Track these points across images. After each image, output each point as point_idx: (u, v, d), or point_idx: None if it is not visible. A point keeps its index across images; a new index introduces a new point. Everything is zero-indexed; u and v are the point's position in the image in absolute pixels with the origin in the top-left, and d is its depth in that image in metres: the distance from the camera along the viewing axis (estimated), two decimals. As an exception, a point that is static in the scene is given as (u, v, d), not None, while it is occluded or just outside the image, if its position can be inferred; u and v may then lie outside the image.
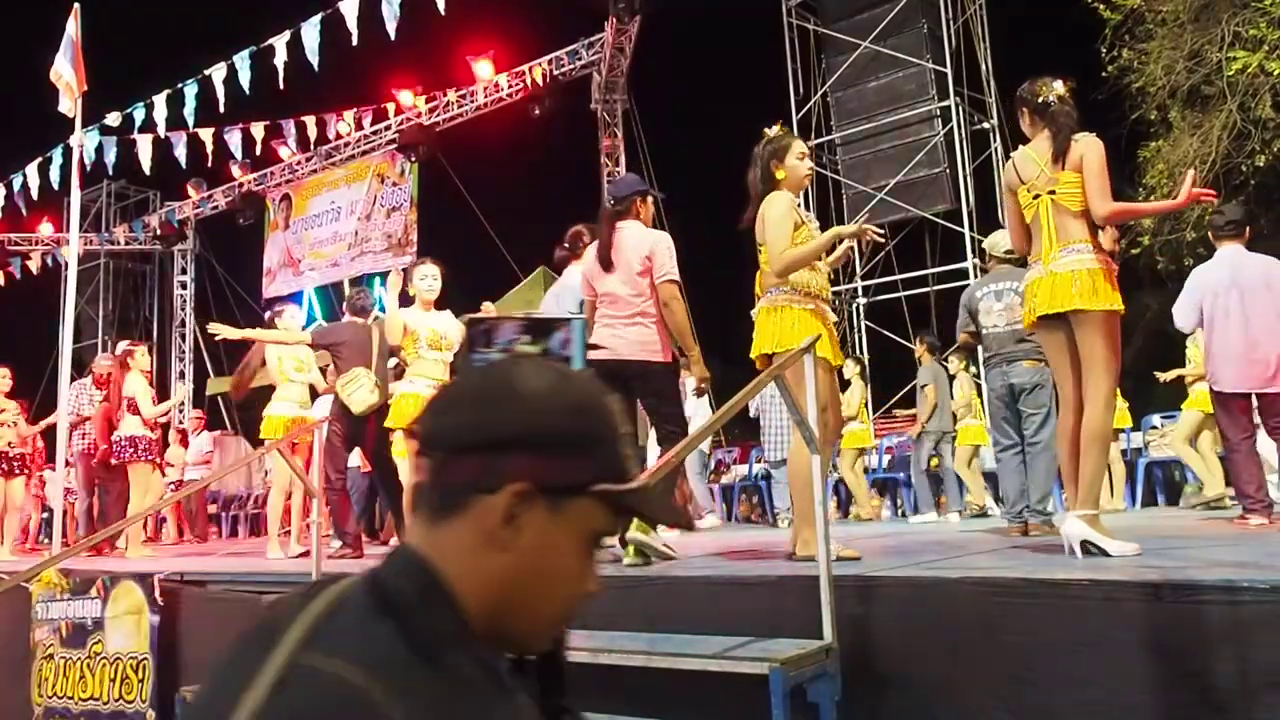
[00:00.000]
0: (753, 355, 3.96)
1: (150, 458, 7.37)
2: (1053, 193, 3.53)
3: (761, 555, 4.32)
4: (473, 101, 16.04)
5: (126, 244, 20.60)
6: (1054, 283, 3.48)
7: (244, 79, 8.55)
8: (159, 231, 19.85)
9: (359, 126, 16.79)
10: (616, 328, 4.23)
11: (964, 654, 2.66)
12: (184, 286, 20.45)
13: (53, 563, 4.89)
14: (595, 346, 4.09)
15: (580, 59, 15.28)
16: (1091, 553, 3.25)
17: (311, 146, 17.14)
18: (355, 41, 7.96)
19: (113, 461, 7.41)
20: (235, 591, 4.55)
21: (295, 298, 19.04)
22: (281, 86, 8.41)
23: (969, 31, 13.69)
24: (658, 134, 15.32)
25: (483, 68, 15.47)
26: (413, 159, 16.66)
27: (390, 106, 16.48)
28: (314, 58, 8.23)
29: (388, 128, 17.03)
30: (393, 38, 8.17)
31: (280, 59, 8.38)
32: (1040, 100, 3.62)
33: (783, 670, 2.48)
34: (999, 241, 5.48)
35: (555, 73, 15.28)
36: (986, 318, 5.35)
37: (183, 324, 20.29)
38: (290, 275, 18.97)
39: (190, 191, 18.99)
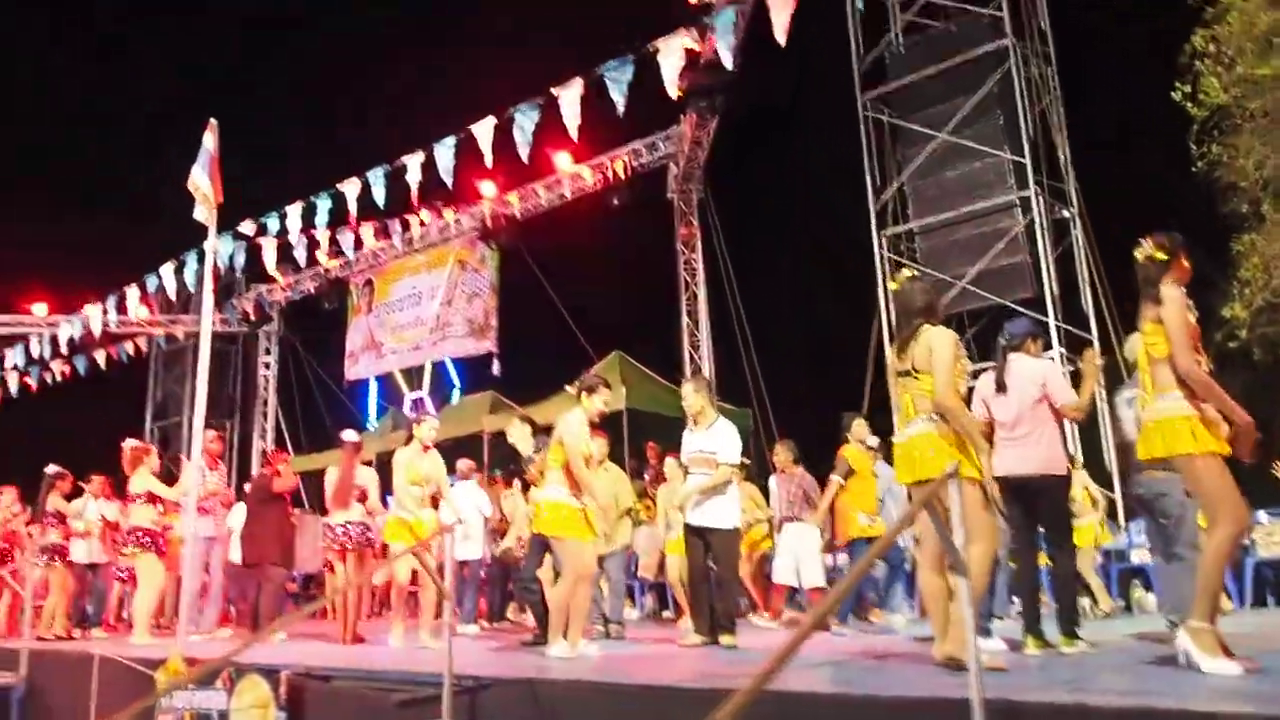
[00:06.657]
0: (908, 481, 4.10)
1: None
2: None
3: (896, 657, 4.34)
4: (556, 191, 16.51)
5: (221, 327, 21.39)
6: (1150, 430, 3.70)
7: (379, 194, 9.11)
8: (251, 315, 20.55)
9: (439, 215, 17.31)
10: (1014, 447, 4.77)
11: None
12: (267, 367, 21.10)
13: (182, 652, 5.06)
14: None
15: (658, 150, 15.71)
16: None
17: (395, 237, 17.68)
18: (489, 163, 8.44)
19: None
20: (367, 688, 4.60)
21: (363, 387, 19.62)
22: (415, 200, 8.93)
23: (1045, 121, 13.75)
24: (734, 222, 15.56)
25: (562, 159, 15.94)
26: (493, 246, 17.14)
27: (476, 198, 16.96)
28: (448, 178, 8.72)
29: (470, 215, 17.55)
30: (525, 160, 8.61)
31: (414, 177, 8.91)
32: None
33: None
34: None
35: (634, 164, 15.71)
36: (1124, 425, 5.33)
37: (265, 403, 20.87)
38: (373, 358, 19.48)
39: (277, 276, 19.65)
